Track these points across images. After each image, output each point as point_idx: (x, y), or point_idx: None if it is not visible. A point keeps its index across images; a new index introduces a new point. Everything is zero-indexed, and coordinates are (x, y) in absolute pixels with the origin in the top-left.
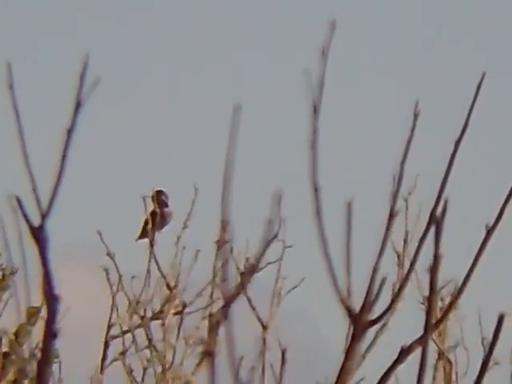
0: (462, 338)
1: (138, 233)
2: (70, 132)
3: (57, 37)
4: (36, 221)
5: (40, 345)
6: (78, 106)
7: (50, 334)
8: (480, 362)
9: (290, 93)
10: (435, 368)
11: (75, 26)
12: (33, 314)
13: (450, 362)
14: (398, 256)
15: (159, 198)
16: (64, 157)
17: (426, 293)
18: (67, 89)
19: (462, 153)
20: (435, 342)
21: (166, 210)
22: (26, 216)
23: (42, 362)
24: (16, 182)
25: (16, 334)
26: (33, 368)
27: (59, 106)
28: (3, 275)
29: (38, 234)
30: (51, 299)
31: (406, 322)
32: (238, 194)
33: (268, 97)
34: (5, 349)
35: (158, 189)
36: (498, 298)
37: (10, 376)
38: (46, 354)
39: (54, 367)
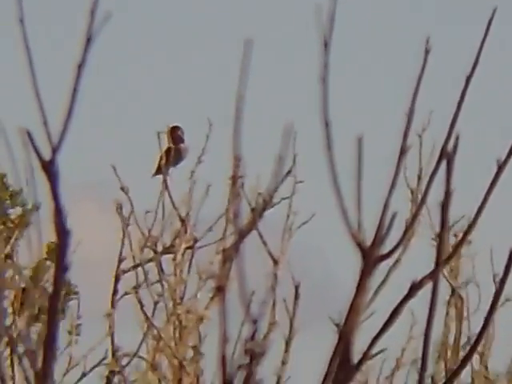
0: (474, 274)
1: (154, 169)
2: (80, 67)
3: None
4: (47, 155)
5: (52, 278)
6: (88, 40)
7: (61, 267)
8: (491, 298)
9: (301, 28)
10: (448, 304)
11: None
12: (52, 249)
13: (461, 298)
14: (412, 192)
15: (175, 133)
16: (75, 91)
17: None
18: (78, 23)
19: (472, 89)
20: (447, 279)
21: (181, 145)
22: (36, 150)
23: (53, 295)
24: (27, 116)
25: (35, 271)
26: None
27: (70, 40)
28: (24, 211)
29: (49, 168)
30: (62, 233)
31: (419, 258)
32: (252, 130)
33: (279, 32)
34: (24, 285)
35: (174, 124)
36: (511, 235)
37: (29, 311)
38: (57, 288)
39: (73, 303)
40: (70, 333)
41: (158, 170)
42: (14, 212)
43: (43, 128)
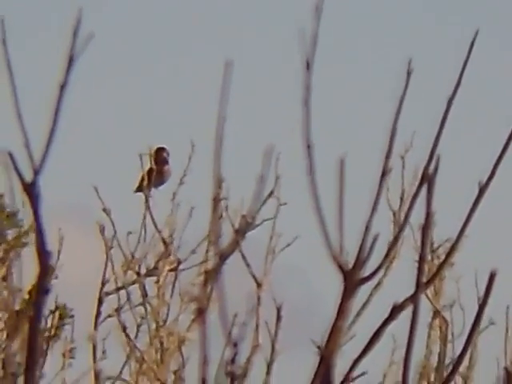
0: (459, 297)
1: (135, 186)
2: (62, 87)
3: None
4: (28, 177)
5: (32, 300)
6: (70, 61)
7: (42, 290)
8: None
9: (283, 50)
10: (430, 326)
11: None
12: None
13: (446, 321)
14: (394, 214)
15: (160, 155)
16: (57, 112)
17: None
18: (61, 44)
19: (455, 111)
20: (430, 301)
21: (165, 167)
22: (18, 172)
23: (33, 318)
24: (8, 138)
25: (30, 293)
26: (47, 326)
27: (52, 61)
28: (19, 233)
29: (31, 190)
30: (43, 255)
31: (404, 281)
32: (236, 152)
33: (261, 54)
34: (19, 307)
35: (160, 146)
36: (496, 257)
37: (24, 334)
38: (38, 310)
39: (68, 327)
40: (63, 356)
41: (139, 188)
42: (10, 233)
43: (25, 150)
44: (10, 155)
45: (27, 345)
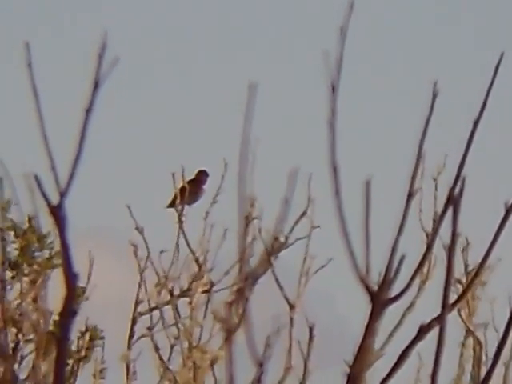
0: (493, 318)
1: (168, 202)
2: (88, 111)
3: (75, 17)
4: (55, 199)
5: (59, 322)
6: (96, 85)
7: (69, 312)
8: (509, 343)
9: (309, 74)
10: (463, 345)
11: (95, 5)
12: (78, 293)
13: (479, 342)
14: (427, 235)
15: (201, 177)
16: (82, 136)
17: (459, 271)
18: (87, 67)
19: (480, 132)
20: (463, 320)
21: (200, 188)
22: (44, 195)
23: (61, 340)
24: (35, 161)
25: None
26: (78, 348)
27: (79, 84)
28: (51, 255)
29: (57, 213)
30: (70, 277)
31: (436, 302)
32: (272, 172)
33: (288, 77)
34: (50, 328)
35: (202, 169)
36: None
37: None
38: (65, 332)
39: (99, 348)
40: (94, 377)
41: (172, 204)
42: (41, 255)
43: (51, 173)
44: (36, 178)
45: (54, 367)
